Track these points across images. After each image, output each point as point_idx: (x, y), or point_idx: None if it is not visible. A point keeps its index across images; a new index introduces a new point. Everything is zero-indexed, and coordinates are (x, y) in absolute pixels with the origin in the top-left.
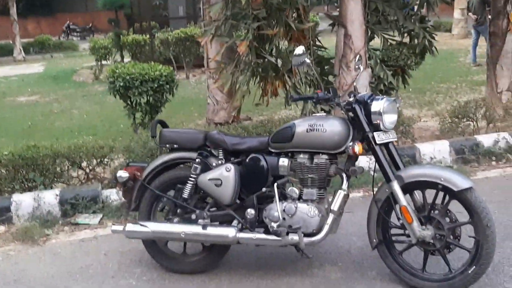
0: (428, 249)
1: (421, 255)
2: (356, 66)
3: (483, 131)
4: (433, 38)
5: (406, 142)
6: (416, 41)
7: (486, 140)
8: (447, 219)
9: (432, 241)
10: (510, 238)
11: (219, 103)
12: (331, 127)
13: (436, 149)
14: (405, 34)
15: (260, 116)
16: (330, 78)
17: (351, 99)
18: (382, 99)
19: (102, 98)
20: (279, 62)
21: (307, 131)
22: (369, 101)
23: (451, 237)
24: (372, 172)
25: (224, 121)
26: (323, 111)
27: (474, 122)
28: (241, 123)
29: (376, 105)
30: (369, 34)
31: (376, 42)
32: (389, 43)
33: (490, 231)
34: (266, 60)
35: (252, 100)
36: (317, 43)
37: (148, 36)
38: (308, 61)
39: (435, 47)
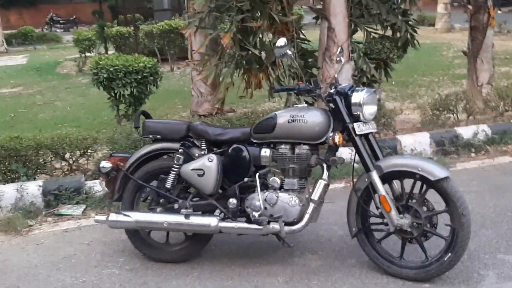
0: (406, 237)
1: (399, 243)
2: (338, 59)
3: (463, 124)
4: (415, 31)
5: (388, 134)
6: (398, 34)
7: (466, 132)
8: (424, 208)
9: (409, 229)
10: (486, 227)
11: (203, 95)
12: (312, 118)
13: (417, 141)
14: (388, 28)
15: (244, 109)
16: (314, 71)
17: (332, 91)
18: (362, 90)
19: (86, 90)
20: (263, 54)
21: (288, 122)
22: (349, 92)
23: (428, 225)
24: (356, 165)
25: (208, 113)
26: (306, 103)
27: (455, 115)
28: (224, 115)
29: (356, 97)
30: (352, 27)
31: (360, 35)
32: (372, 37)
33: (465, 219)
34: (250, 52)
35: (236, 92)
36: (301, 36)
37: (132, 28)
38: (290, 52)
39: (417, 41)
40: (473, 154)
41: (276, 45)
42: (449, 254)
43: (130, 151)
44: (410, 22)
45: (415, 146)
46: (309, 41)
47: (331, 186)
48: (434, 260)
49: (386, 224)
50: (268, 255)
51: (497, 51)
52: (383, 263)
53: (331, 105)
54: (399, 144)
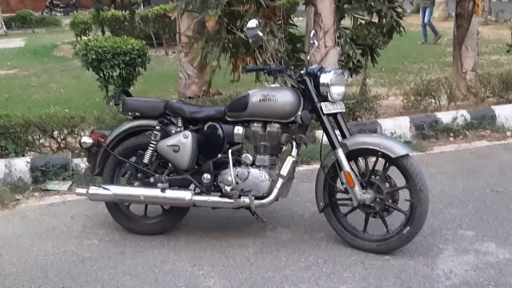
0: (369, 211)
1: (362, 217)
2: (311, 41)
3: (445, 109)
4: (401, 18)
5: (370, 118)
6: (384, 21)
7: (445, 117)
8: (387, 184)
9: (372, 204)
10: (452, 206)
11: (191, 78)
12: (283, 97)
13: (397, 125)
14: (374, 14)
15: (231, 91)
16: (302, 56)
17: (302, 72)
18: (330, 71)
19: (80, 73)
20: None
21: (260, 101)
22: (318, 73)
23: (390, 200)
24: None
25: (195, 95)
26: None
27: (436, 100)
28: (211, 97)
29: (324, 77)
30: (340, 13)
31: (347, 21)
32: (359, 23)
33: (423, 194)
34: (237, 36)
35: (225, 75)
36: (290, 21)
37: (128, 12)
38: (261, 34)
39: (402, 27)
40: (451, 139)
41: (247, 26)
42: (408, 227)
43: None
44: (396, 9)
45: (395, 129)
46: (296, 26)
47: (309, 166)
48: (394, 233)
49: (351, 200)
50: (242, 228)
51: (490, 40)
52: (348, 236)
53: (301, 85)
54: (379, 128)
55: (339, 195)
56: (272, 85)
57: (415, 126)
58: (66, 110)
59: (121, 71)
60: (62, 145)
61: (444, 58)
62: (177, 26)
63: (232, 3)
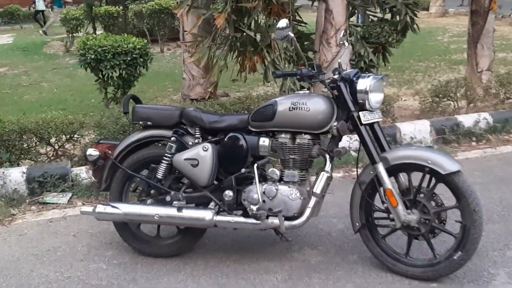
0: (413, 233)
1: (403, 238)
2: (341, 42)
3: (463, 111)
4: (415, 15)
5: (387, 121)
6: (398, 17)
7: (467, 120)
8: (433, 203)
9: (417, 225)
10: (492, 221)
11: (195, 78)
12: (315, 105)
13: (417, 129)
14: (387, 11)
15: (237, 92)
16: (310, 54)
17: (336, 77)
18: (368, 77)
19: (73, 71)
20: (258, 36)
21: (289, 110)
22: (354, 78)
23: (437, 221)
24: (352, 152)
25: (200, 97)
26: (305, 89)
27: (455, 102)
28: (218, 99)
29: (362, 83)
30: (350, 10)
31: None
32: (370, 20)
33: (477, 216)
34: (245, 34)
35: (228, 75)
36: (297, 17)
37: (121, 7)
38: (292, 35)
39: (416, 25)
40: (473, 143)
41: (277, 26)
42: (459, 252)
43: (118, 136)
44: (410, 5)
45: (415, 134)
46: (305, 23)
47: None
48: (443, 259)
49: (392, 219)
50: (265, 249)
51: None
52: (388, 261)
53: (335, 92)
54: (398, 132)
55: (376, 214)
56: (301, 92)
57: (435, 130)
58: (61, 112)
59: (122, 71)
60: (59, 152)
61: (450, 55)
62: (180, 24)
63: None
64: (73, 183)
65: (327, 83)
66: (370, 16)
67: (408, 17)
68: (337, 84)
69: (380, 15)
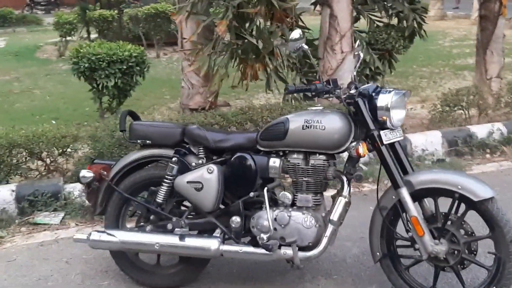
0: (440, 265)
1: (427, 269)
2: (356, 53)
3: (474, 121)
4: (424, 20)
5: None
6: (405, 23)
7: (480, 131)
8: (463, 232)
9: (445, 256)
10: None
11: (195, 87)
12: (331, 123)
13: (428, 140)
14: (393, 16)
15: (237, 100)
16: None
17: (353, 92)
18: (389, 92)
19: (67, 77)
20: (260, 43)
21: (302, 128)
22: (374, 94)
23: (467, 252)
24: (362, 166)
25: (199, 106)
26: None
27: (466, 111)
28: (219, 110)
29: (383, 100)
30: (354, 15)
31: (362, 23)
32: (376, 25)
33: None
34: (246, 41)
35: (227, 82)
36: (300, 23)
37: (116, 11)
38: (306, 47)
39: (424, 31)
40: (488, 155)
41: (290, 37)
42: (493, 287)
43: (114, 150)
44: (417, 10)
45: (426, 146)
46: (308, 29)
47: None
48: None
49: (416, 249)
50: (274, 279)
51: None
52: None
53: (352, 108)
54: (409, 144)
55: (398, 242)
56: (313, 108)
57: (447, 141)
58: (53, 122)
59: (117, 81)
60: (51, 167)
61: (454, 61)
62: (178, 30)
63: (242, 5)
64: (66, 201)
65: (343, 98)
66: (376, 22)
67: (416, 23)
68: (355, 100)
69: (385, 20)
